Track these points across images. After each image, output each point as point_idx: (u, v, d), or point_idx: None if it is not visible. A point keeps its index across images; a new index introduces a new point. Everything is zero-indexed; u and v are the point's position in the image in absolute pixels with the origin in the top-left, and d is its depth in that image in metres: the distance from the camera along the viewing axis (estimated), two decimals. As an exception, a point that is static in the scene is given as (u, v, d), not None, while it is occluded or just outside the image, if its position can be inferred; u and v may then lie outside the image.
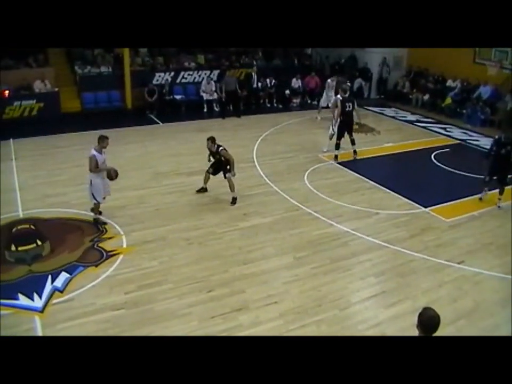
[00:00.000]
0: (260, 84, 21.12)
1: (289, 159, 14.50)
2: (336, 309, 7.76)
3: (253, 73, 21.06)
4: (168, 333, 6.94)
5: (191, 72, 20.68)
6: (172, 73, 20.29)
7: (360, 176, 13.35)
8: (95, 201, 9.93)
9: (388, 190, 12.45)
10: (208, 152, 11.36)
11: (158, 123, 17.93)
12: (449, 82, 21.95)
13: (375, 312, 7.76)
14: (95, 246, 9.18)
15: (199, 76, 20.71)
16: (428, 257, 9.39)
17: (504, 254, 9.71)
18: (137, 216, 10.34)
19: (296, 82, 21.78)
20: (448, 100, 21.22)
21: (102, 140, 9.98)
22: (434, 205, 11.59)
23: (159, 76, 19.99)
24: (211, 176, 11.52)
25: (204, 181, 11.60)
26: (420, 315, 4.68)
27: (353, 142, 14.65)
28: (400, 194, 12.16)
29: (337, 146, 14.42)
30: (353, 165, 14.19)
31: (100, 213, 10.24)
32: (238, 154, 14.24)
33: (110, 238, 9.52)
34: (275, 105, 21.21)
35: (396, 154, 15.45)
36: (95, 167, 9.73)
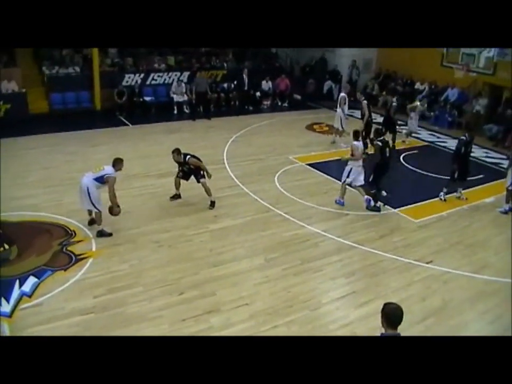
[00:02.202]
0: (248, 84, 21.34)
1: (259, 160, 14.53)
2: (307, 310, 7.80)
3: (244, 75, 21.13)
4: (139, 336, 6.89)
5: (161, 74, 20.54)
6: (142, 75, 20.13)
7: (330, 178, 13.43)
8: (97, 210, 9.51)
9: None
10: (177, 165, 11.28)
11: (128, 125, 17.77)
12: (418, 85, 22.36)
13: (345, 312, 7.81)
14: (64, 250, 9.04)
15: (169, 77, 20.59)
16: (397, 257, 9.51)
17: (472, 253, 9.91)
18: (106, 218, 10.19)
19: (266, 85, 21.83)
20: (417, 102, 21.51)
21: (118, 163, 9.79)
22: (403, 206, 11.74)
23: (129, 77, 19.82)
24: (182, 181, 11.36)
25: (175, 187, 11.40)
26: (383, 310, 4.77)
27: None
28: (369, 195, 12.28)
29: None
30: (323, 166, 14.28)
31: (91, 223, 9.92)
32: (208, 156, 14.23)
33: (79, 241, 9.38)
34: (245, 107, 21.20)
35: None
36: (113, 187, 9.55)
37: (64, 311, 7.36)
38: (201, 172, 11.06)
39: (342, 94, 16.23)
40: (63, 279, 8.18)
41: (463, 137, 12.03)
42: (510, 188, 11.70)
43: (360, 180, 11.47)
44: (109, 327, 7.06)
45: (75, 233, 9.63)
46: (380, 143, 11.49)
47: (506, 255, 9.93)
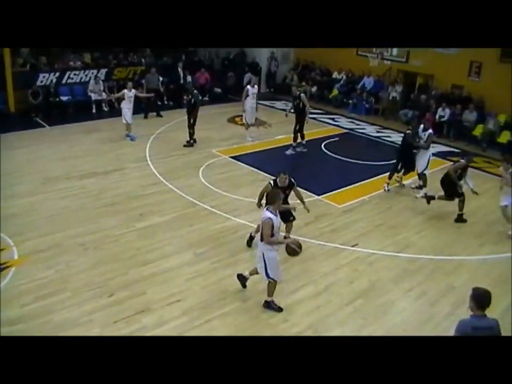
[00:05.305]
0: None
1: (183, 156, 14.45)
2: (240, 301, 7.88)
3: (179, 68, 21.00)
4: (69, 342, 6.72)
5: (77, 72, 19.83)
6: (57, 74, 19.36)
7: (254, 169, 13.58)
8: (271, 280, 7.62)
9: (283, 181, 12.72)
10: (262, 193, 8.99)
11: (45, 126, 17.13)
12: (335, 74, 22.92)
13: (278, 299, 7.87)
14: (-16, 260, 8.67)
15: (86, 75, 19.95)
16: (324, 243, 9.74)
17: (394, 234, 10.32)
18: (28, 224, 9.87)
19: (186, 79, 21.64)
20: (335, 91, 22.11)
21: (272, 197, 7.39)
22: (327, 193, 12.03)
23: (44, 77, 19.01)
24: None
25: (258, 229, 8.67)
26: (473, 294, 4.93)
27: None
28: (294, 184, 12.48)
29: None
30: (247, 158, 14.41)
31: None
32: (130, 155, 14.09)
33: (-1, 250, 9.02)
34: (166, 102, 20.93)
35: (288, 145, 15.78)
36: (270, 235, 7.19)
37: (-11, 324, 7.08)
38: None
39: (247, 87, 16.22)
40: (-15, 290, 7.85)
41: (409, 131, 12.43)
42: (424, 173, 12.30)
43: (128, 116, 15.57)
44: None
45: (-6, 243, 9.23)
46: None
47: (426, 234, 10.42)
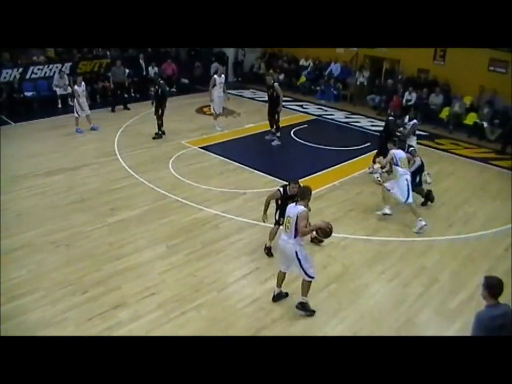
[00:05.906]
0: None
1: (152, 148, 14.36)
2: (214, 291, 7.89)
3: (141, 60, 20.84)
4: (44, 341, 6.66)
5: (41, 67, 19.47)
6: (20, 69, 18.98)
7: (225, 159, 13.56)
8: (309, 279, 7.31)
9: (253, 170, 12.78)
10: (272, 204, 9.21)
11: (10, 123, 16.81)
12: (302, 62, 22.98)
13: (251, 288, 7.97)
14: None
15: (50, 70, 19.57)
16: (297, 230, 9.78)
17: (365, 218, 10.42)
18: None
19: (152, 71, 21.39)
20: (303, 79, 22.20)
21: (305, 193, 7.36)
22: (298, 179, 12.03)
23: (7, 73, 18.61)
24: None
25: (271, 237, 9.03)
26: (485, 283, 4.74)
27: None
28: (264, 173, 12.52)
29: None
30: (217, 148, 14.39)
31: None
32: (98, 149, 13.96)
33: (-32, 252, 8.86)
34: (132, 95, 20.69)
35: (257, 134, 15.83)
36: (306, 226, 7.07)
37: (-38, 327, 6.97)
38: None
39: (214, 77, 16.16)
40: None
41: (391, 118, 12.48)
42: None
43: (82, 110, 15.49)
44: (12, 336, 6.77)
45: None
46: None
47: (397, 216, 10.53)
